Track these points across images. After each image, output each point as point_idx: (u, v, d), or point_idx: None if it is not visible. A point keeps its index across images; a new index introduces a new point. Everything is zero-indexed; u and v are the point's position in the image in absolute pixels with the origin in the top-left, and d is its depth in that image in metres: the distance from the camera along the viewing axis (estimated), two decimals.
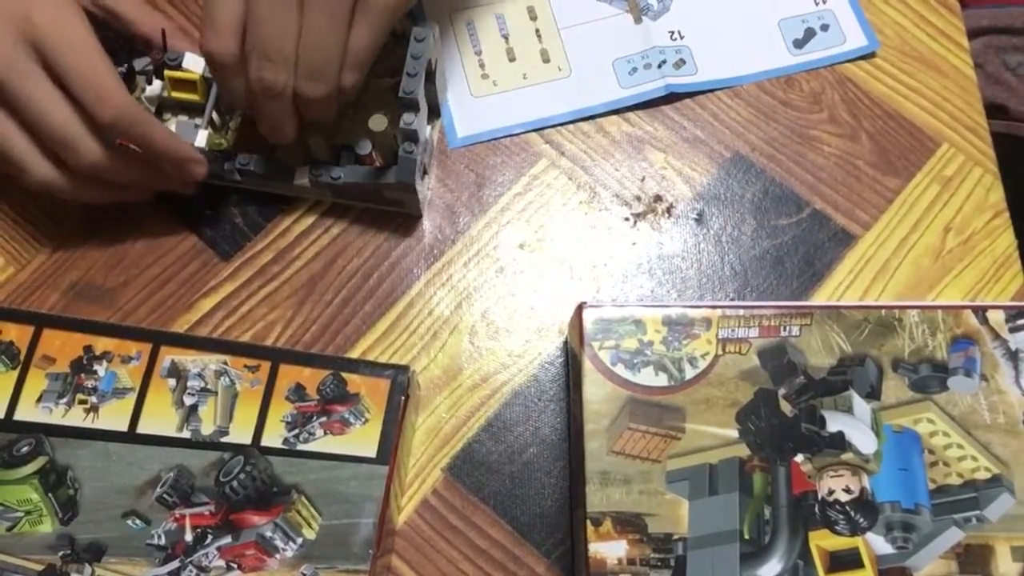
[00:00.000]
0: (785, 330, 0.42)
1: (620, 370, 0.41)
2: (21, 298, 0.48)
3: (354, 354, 0.47)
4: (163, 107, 0.48)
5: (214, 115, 0.48)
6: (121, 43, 0.46)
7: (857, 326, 0.42)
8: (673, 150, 0.52)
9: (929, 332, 0.42)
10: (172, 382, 0.42)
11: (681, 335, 0.42)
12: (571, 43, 0.54)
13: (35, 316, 0.43)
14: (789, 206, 0.51)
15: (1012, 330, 0.42)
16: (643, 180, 0.51)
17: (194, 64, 0.47)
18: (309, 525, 0.40)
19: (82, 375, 0.42)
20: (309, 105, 0.43)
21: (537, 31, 0.54)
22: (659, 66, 0.53)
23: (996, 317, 0.42)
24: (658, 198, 0.51)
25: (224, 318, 0.48)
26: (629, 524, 0.39)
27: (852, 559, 0.39)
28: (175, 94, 0.47)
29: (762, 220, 0.51)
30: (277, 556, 0.39)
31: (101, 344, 0.42)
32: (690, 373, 0.41)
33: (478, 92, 0.53)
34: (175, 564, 0.39)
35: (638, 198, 0.51)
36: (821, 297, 0.49)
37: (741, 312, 0.42)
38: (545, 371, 0.48)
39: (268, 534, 0.39)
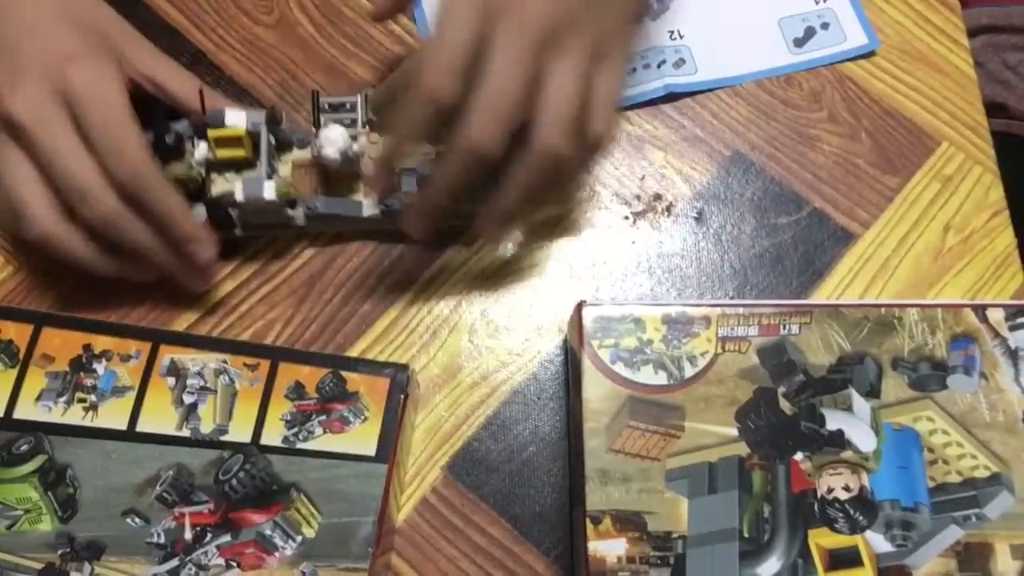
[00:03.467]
0: (785, 328, 0.42)
1: (620, 368, 0.41)
2: (20, 296, 0.48)
3: (353, 353, 0.47)
4: (211, 168, 0.47)
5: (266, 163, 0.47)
6: (161, 108, 0.46)
7: (857, 324, 0.42)
8: (673, 149, 0.52)
9: (929, 330, 0.42)
10: (171, 380, 0.42)
11: (681, 333, 0.42)
12: None
13: (34, 315, 0.43)
14: (789, 205, 0.51)
15: (1012, 328, 0.42)
16: (643, 179, 0.51)
17: (236, 120, 0.45)
18: (308, 523, 0.40)
19: (81, 374, 0.41)
20: (557, 166, 0.39)
21: None
22: (658, 66, 0.53)
23: (996, 315, 0.42)
24: (658, 197, 0.51)
25: (223, 317, 0.48)
26: (629, 522, 0.39)
27: (851, 557, 0.39)
28: (221, 153, 0.46)
29: (762, 219, 0.51)
30: (276, 554, 0.39)
31: (100, 343, 0.42)
32: (690, 371, 0.41)
33: None
34: (174, 562, 0.39)
35: (638, 197, 0.51)
36: (821, 296, 0.49)
37: (741, 311, 0.42)
38: (544, 370, 0.48)
39: (267, 532, 0.39)
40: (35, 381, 0.41)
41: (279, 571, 0.39)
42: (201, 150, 0.46)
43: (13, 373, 0.41)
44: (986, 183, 0.51)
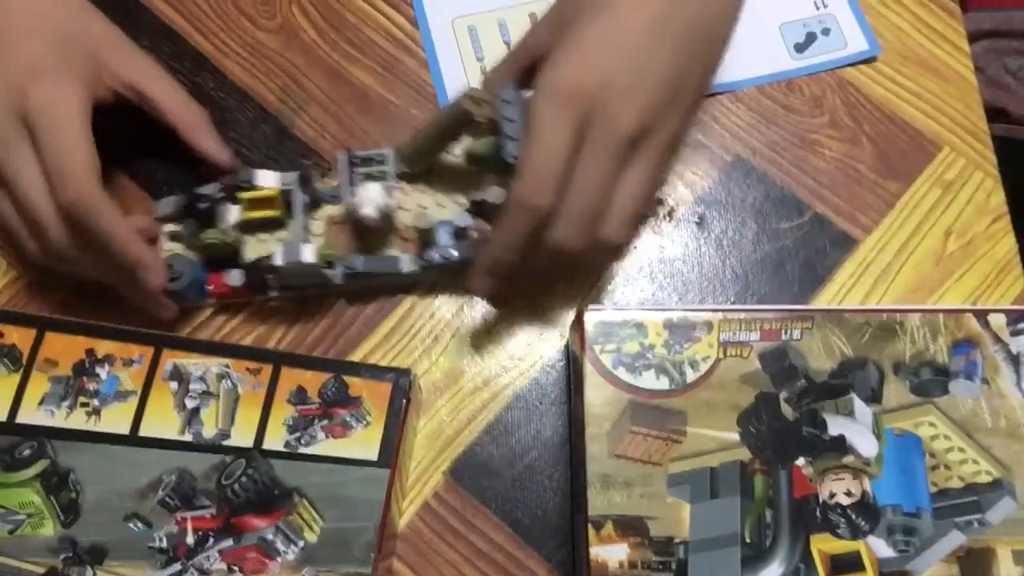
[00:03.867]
0: (786, 333, 0.42)
1: (621, 373, 0.41)
2: (23, 301, 0.48)
3: (356, 357, 0.47)
4: (243, 228, 0.46)
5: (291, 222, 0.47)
6: (196, 169, 0.46)
7: (858, 330, 0.42)
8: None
9: (930, 336, 0.42)
10: (174, 385, 0.42)
11: (682, 338, 0.42)
12: None
13: (37, 319, 0.43)
14: (790, 210, 0.51)
15: (1013, 334, 0.42)
16: None
17: (267, 180, 0.45)
18: (310, 528, 0.40)
19: (84, 378, 0.42)
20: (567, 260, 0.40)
21: None
22: None
23: (997, 321, 0.42)
24: (659, 201, 0.51)
25: (226, 321, 0.48)
26: (630, 527, 0.39)
27: (853, 562, 0.39)
28: (253, 213, 0.46)
29: (763, 224, 0.51)
30: (278, 559, 0.39)
31: (103, 347, 0.42)
32: (691, 376, 0.41)
33: None
34: (176, 567, 0.39)
35: None
36: (822, 301, 0.49)
37: (742, 316, 0.42)
38: (546, 374, 0.48)
39: (270, 537, 0.39)
40: (38, 385, 0.41)
41: None
42: (234, 213, 0.46)
43: (16, 377, 0.41)
44: (987, 188, 0.51)
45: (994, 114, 0.66)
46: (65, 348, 0.42)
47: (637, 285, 0.49)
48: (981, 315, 0.42)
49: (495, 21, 0.54)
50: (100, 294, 0.46)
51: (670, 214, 0.51)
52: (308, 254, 0.44)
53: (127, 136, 0.48)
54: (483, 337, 0.48)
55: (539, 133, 0.38)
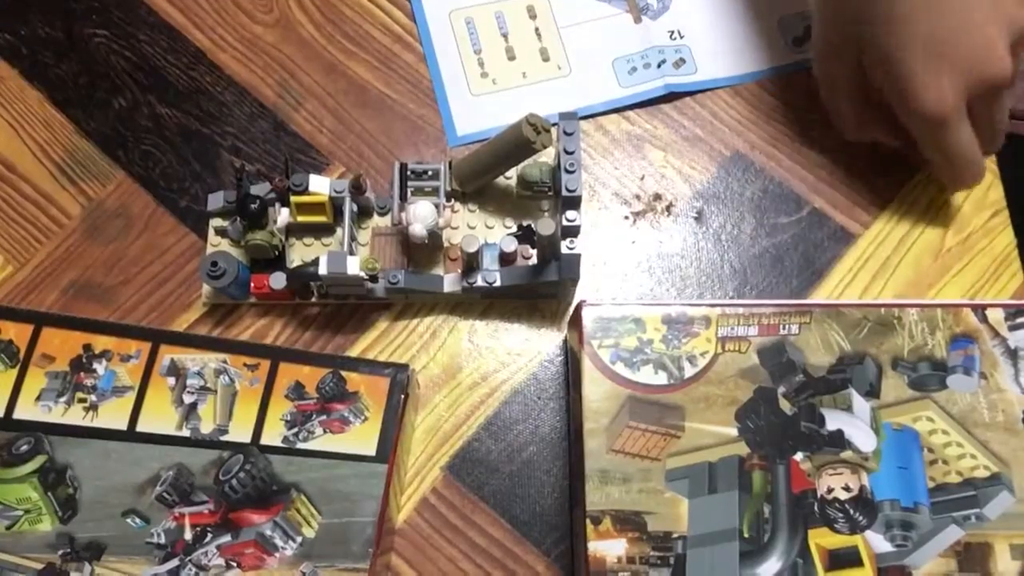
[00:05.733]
0: (784, 328, 0.42)
1: (620, 368, 0.41)
2: (20, 297, 0.48)
3: (353, 352, 0.47)
4: (290, 232, 0.47)
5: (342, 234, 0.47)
6: (241, 172, 0.46)
7: (856, 324, 0.42)
8: (673, 149, 0.52)
9: (928, 330, 0.42)
10: (171, 380, 0.42)
11: (681, 333, 0.42)
12: (571, 42, 0.54)
13: (34, 315, 0.43)
14: (788, 205, 0.51)
15: (1011, 328, 0.42)
16: (642, 179, 0.51)
17: (319, 186, 0.46)
18: (308, 524, 0.40)
19: (81, 373, 0.42)
20: None
21: (537, 30, 0.54)
22: (659, 66, 0.53)
23: (995, 315, 0.42)
24: (657, 196, 0.51)
25: (224, 316, 0.48)
26: (628, 522, 0.39)
27: (851, 557, 0.39)
28: (302, 218, 0.46)
29: (761, 219, 0.51)
30: (277, 555, 0.39)
31: (100, 343, 0.42)
32: (689, 371, 0.41)
33: (477, 90, 0.53)
34: (175, 562, 0.39)
35: (637, 196, 0.51)
36: (820, 295, 0.49)
37: (740, 310, 0.42)
38: (544, 369, 0.48)
39: (268, 532, 0.39)
40: (35, 381, 0.41)
41: (279, 571, 0.39)
42: (283, 216, 0.46)
43: (13, 373, 0.41)
44: (986, 183, 0.51)
45: None
46: (62, 344, 0.42)
47: (635, 280, 0.49)
48: (979, 310, 0.42)
49: (492, 13, 0.54)
50: (96, 289, 0.46)
51: (668, 209, 0.51)
52: (352, 266, 0.44)
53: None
54: (481, 332, 0.48)
55: None
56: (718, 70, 0.53)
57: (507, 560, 0.44)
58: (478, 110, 0.52)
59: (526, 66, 0.53)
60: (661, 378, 0.41)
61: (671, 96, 0.53)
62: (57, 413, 0.41)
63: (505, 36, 0.54)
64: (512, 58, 0.53)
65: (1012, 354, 0.41)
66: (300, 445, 0.41)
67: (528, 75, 0.53)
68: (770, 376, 0.41)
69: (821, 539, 0.39)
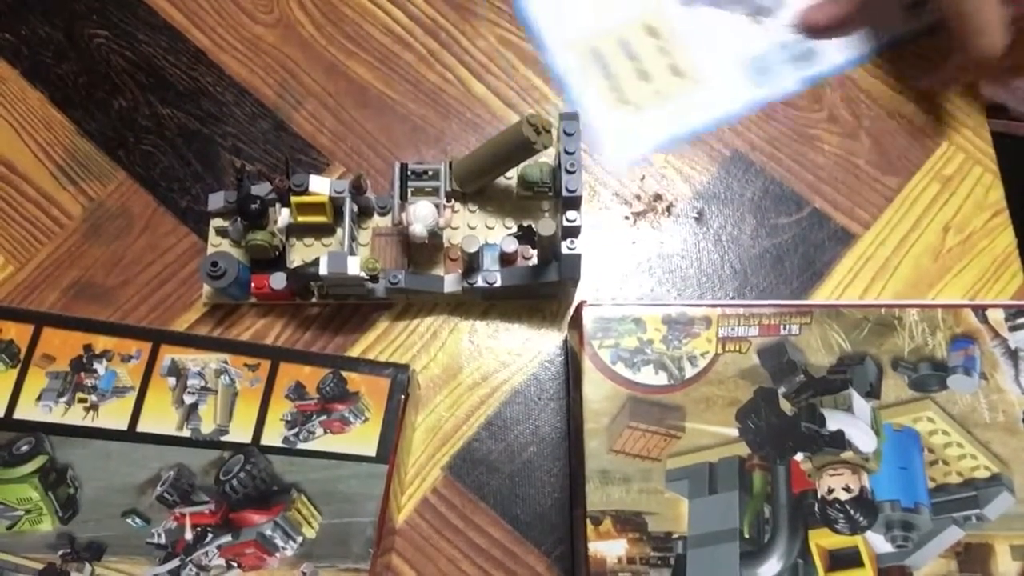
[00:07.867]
0: (785, 329, 0.42)
1: (620, 369, 0.41)
2: (21, 297, 0.48)
3: (354, 353, 0.47)
4: (290, 232, 0.47)
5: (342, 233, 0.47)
6: (241, 172, 0.46)
7: (857, 325, 0.42)
8: (673, 149, 0.52)
9: (929, 331, 0.42)
10: (172, 381, 0.42)
11: (681, 334, 0.42)
12: (698, 54, 0.54)
13: (35, 315, 0.43)
14: (789, 205, 0.51)
15: (1012, 329, 0.42)
16: (643, 179, 0.51)
17: (319, 187, 0.46)
18: (309, 524, 0.40)
19: (82, 374, 0.42)
20: None
21: (660, 48, 0.54)
22: (789, 61, 0.53)
23: (996, 316, 0.42)
24: (658, 197, 0.51)
25: (224, 316, 0.48)
26: (629, 523, 0.39)
27: (852, 558, 0.39)
28: (302, 218, 0.46)
29: (762, 219, 0.51)
30: (277, 555, 0.39)
31: (101, 343, 0.42)
32: (690, 372, 0.41)
33: (616, 116, 0.52)
34: (175, 563, 0.39)
35: (638, 197, 0.51)
36: (821, 296, 0.49)
37: (741, 311, 0.42)
38: (545, 370, 0.48)
39: (268, 533, 0.39)
40: (36, 381, 0.41)
41: (280, 572, 0.39)
42: (284, 217, 0.46)
43: (14, 373, 0.41)
44: (986, 183, 0.51)
45: (993, 109, 0.66)
46: (63, 344, 0.42)
47: (636, 280, 0.49)
48: (979, 310, 0.42)
49: (616, 40, 0.54)
50: (97, 290, 0.46)
51: (669, 209, 0.51)
52: (353, 266, 0.44)
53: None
54: (481, 332, 0.48)
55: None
56: (842, 52, 0.54)
57: (507, 560, 0.44)
58: (627, 134, 0.52)
59: (659, 85, 0.53)
60: (661, 378, 0.41)
61: None
62: (58, 413, 0.41)
63: (633, 59, 0.54)
64: (645, 79, 0.53)
65: (1012, 355, 0.41)
66: (300, 445, 0.41)
67: (662, 93, 0.53)
68: (770, 376, 0.41)
69: (821, 540, 0.39)
